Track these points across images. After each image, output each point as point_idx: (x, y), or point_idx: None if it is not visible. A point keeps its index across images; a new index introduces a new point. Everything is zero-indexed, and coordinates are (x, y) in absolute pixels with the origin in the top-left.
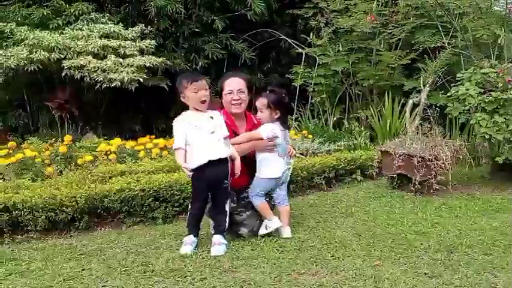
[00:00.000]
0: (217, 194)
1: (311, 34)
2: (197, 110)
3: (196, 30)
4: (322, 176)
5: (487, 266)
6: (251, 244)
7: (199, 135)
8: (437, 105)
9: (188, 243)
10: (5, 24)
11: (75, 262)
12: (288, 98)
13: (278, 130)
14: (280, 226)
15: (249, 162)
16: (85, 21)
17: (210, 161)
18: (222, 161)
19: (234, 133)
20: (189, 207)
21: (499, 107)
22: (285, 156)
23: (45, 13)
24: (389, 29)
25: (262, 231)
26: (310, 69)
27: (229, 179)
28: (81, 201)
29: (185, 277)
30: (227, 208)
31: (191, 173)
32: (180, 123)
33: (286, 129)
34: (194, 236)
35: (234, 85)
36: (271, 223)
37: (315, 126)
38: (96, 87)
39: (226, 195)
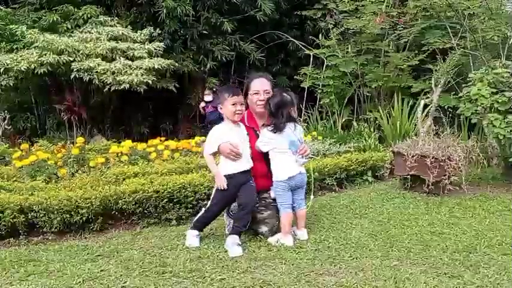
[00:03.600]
0: (246, 192)
1: (320, 35)
2: (232, 121)
3: (205, 32)
4: (334, 177)
5: (507, 266)
6: (267, 245)
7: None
8: (446, 107)
9: (195, 235)
10: (16, 26)
11: (92, 263)
12: (288, 102)
13: (267, 138)
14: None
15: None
16: (93, 24)
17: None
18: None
19: (254, 131)
20: (210, 206)
21: None
22: (296, 154)
23: (55, 19)
24: (398, 31)
25: (272, 241)
26: (318, 71)
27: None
28: (95, 203)
29: (204, 278)
30: (250, 214)
31: (223, 181)
32: (218, 134)
33: (276, 131)
34: (199, 231)
35: (261, 86)
36: (284, 240)
37: (324, 128)
38: (104, 90)
39: (255, 195)
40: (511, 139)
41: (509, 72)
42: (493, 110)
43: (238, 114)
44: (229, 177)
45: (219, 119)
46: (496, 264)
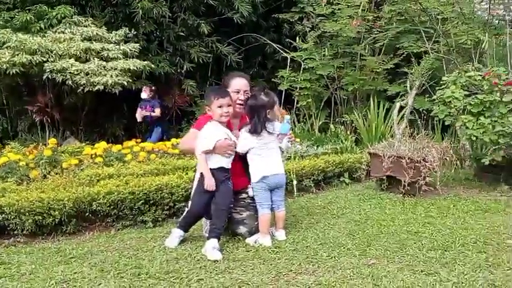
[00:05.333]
0: (221, 192)
1: (297, 38)
2: (219, 122)
3: (181, 33)
4: (311, 179)
5: (482, 264)
6: (246, 245)
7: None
8: (421, 109)
9: (175, 236)
10: None
11: (66, 265)
12: (265, 104)
13: (243, 138)
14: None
15: (247, 164)
16: (67, 24)
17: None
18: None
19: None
20: (191, 206)
21: (484, 109)
22: (286, 138)
23: (28, 18)
24: (374, 34)
25: (250, 241)
26: (295, 74)
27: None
28: (68, 205)
29: (181, 279)
30: (227, 215)
31: (213, 183)
32: (211, 132)
33: (253, 133)
34: (184, 231)
35: (241, 85)
36: (263, 241)
37: (301, 130)
38: (78, 91)
39: (230, 197)
40: (483, 140)
41: (481, 75)
42: (465, 112)
43: (225, 116)
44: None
45: (158, 124)
46: (471, 262)
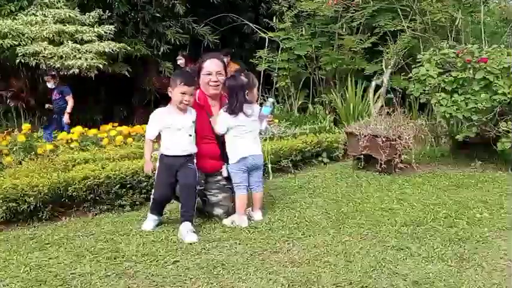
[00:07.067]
0: (183, 174)
1: (274, 18)
2: (177, 107)
3: (157, 14)
4: (289, 159)
5: (452, 238)
6: (222, 226)
7: (170, 132)
8: (396, 88)
9: (150, 220)
10: None
11: (41, 251)
12: (244, 85)
13: (225, 119)
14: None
15: (224, 147)
16: (39, 6)
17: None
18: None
19: (207, 114)
20: (153, 191)
21: (458, 86)
22: (265, 119)
23: None
24: (351, 13)
25: (227, 222)
26: (274, 54)
27: (194, 162)
28: (43, 191)
29: (157, 261)
30: (196, 196)
31: (149, 168)
32: (157, 117)
33: (231, 113)
34: (158, 216)
35: (214, 67)
36: (239, 221)
37: (280, 111)
38: None
39: (194, 177)
40: (457, 117)
41: (455, 53)
42: (440, 89)
43: (184, 103)
44: (163, 156)
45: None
46: (441, 236)
